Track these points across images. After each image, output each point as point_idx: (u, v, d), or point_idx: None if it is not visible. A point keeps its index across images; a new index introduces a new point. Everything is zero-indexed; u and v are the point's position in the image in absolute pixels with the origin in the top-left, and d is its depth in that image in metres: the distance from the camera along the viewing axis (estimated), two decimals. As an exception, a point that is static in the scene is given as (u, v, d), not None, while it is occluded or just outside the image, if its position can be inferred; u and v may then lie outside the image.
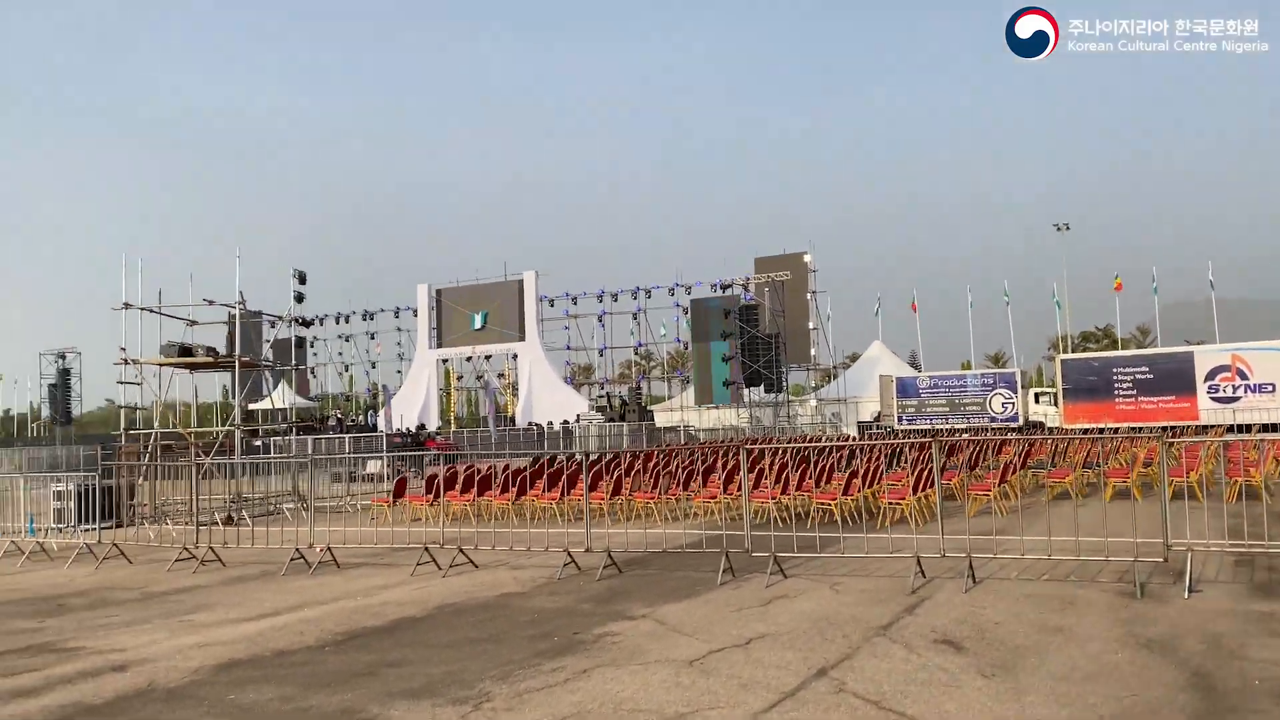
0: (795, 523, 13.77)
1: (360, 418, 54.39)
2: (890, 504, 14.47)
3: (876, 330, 58.55)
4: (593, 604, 9.03)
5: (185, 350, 19.68)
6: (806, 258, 52.08)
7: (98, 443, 35.71)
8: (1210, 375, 35.25)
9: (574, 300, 58.70)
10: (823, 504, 14.72)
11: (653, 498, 16.02)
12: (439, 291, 60.93)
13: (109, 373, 21.34)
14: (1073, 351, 51.70)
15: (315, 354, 66.93)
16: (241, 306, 19.52)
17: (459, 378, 62.81)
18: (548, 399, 55.18)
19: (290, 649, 7.63)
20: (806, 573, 10.20)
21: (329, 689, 6.38)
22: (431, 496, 16.95)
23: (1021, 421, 40.21)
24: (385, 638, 7.95)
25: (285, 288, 23.13)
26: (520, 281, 58.69)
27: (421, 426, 45.45)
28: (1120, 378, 36.96)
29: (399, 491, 17.73)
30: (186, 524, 15.53)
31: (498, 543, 11.89)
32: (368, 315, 64.91)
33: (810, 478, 16.50)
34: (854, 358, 62.14)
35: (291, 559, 12.00)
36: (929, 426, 40.83)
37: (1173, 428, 30.85)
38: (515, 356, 59.48)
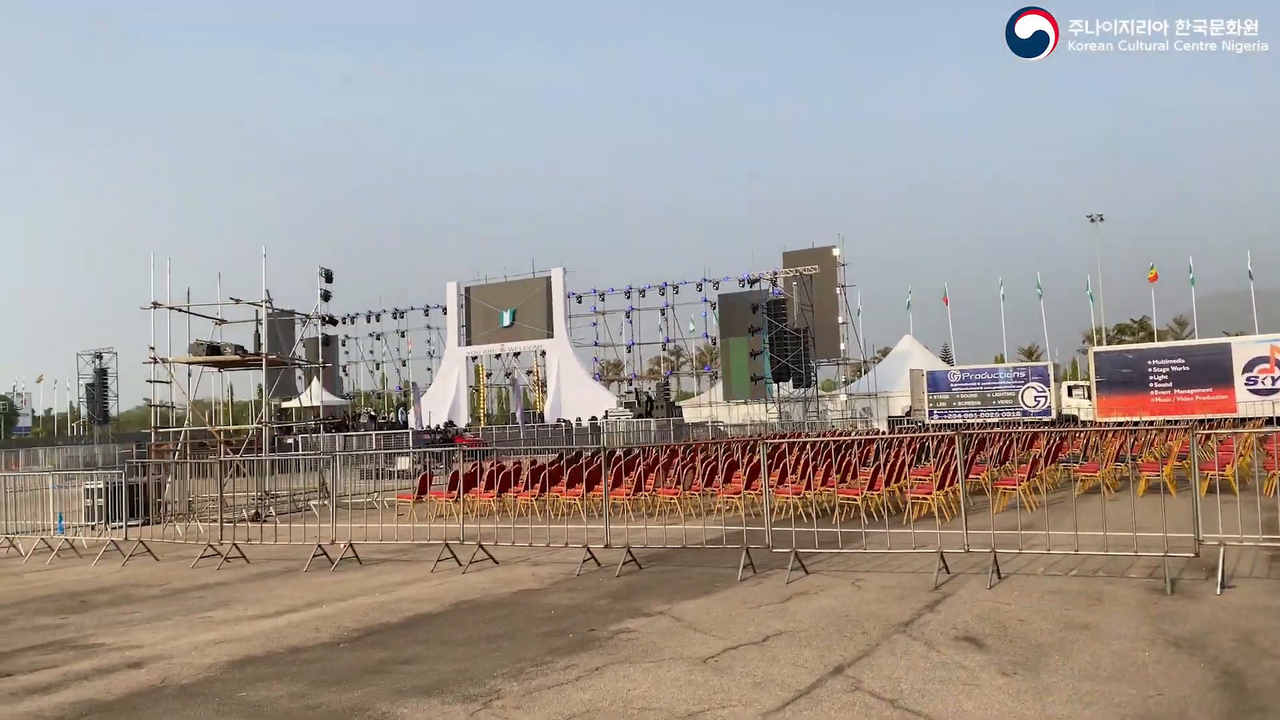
0: (820, 518, 13.64)
1: (392, 415, 54.75)
2: (916, 499, 14.27)
3: (908, 324, 58.06)
4: (610, 600, 8.96)
5: (213, 349, 19.84)
6: (835, 251, 51.76)
7: (133, 442, 36.25)
8: (1248, 367, 34.55)
9: (602, 297, 58.79)
10: (848, 499, 14.56)
11: (675, 493, 15.92)
12: (468, 289, 61.25)
13: (145, 372, 21.66)
14: (1108, 344, 50.96)
15: (347, 352, 67.63)
16: (268, 305, 19.64)
17: (488, 375, 63.08)
18: (576, 395, 55.29)
19: (305, 646, 7.62)
20: (829, 569, 10.06)
21: (340, 686, 6.35)
22: (455, 493, 16.97)
23: (1054, 415, 39.67)
24: (400, 634, 7.92)
25: (316, 286, 23.29)
26: (548, 278, 58.81)
27: (449, 423, 45.60)
28: (1155, 370, 36.33)
29: (423, 488, 17.78)
30: (214, 521, 15.64)
31: (519, 539, 11.85)
32: (398, 313, 65.41)
33: (835, 473, 16.34)
34: (885, 352, 61.64)
35: (314, 555, 12.04)
36: (960, 421, 40.40)
37: (1209, 420, 30.28)
38: (544, 353, 59.67)
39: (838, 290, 51.70)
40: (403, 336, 66.32)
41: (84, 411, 63.26)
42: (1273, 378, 34.06)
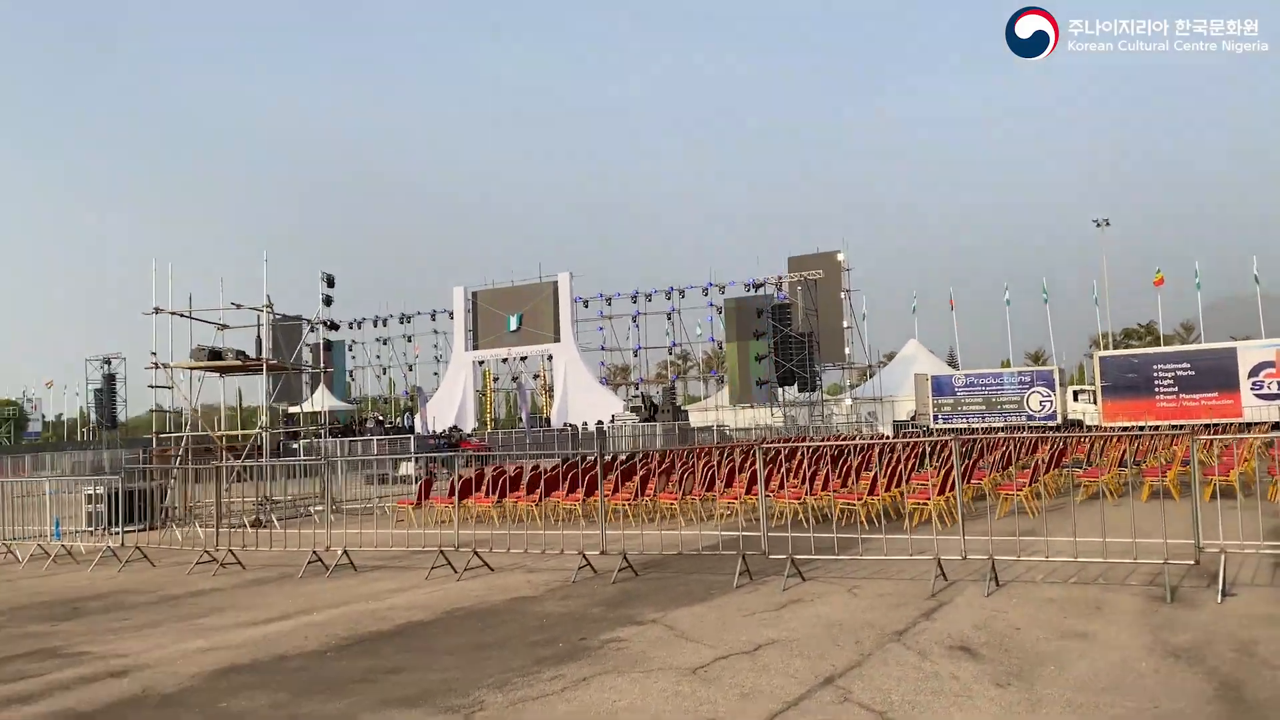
0: (820, 524, 13.54)
1: (399, 420, 54.78)
2: (916, 505, 14.15)
3: (913, 329, 57.90)
4: (603, 608, 8.86)
5: (215, 354, 19.79)
6: (840, 256, 51.64)
7: (140, 447, 36.29)
8: (1254, 371, 34.33)
9: (608, 301, 58.78)
10: (848, 504, 14.45)
11: (676, 498, 15.82)
12: (475, 294, 61.27)
13: (152, 377, 21.65)
14: (1114, 349, 50.72)
15: (354, 357, 67.74)
16: (270, 310, 19.60)
17: (495, 379, 63.03)
18: (583, 400, 55.22)
19: (292, 654, 7.54)
20: (826, 575, 9.96)
21: (323, 696, 6.27)
22: (455, 499, 16.90)
23: (1060, 420, 39.46)
24: (389, 643, 7.84)
25: (321, 292, 23.24)
26: (555, 283, 58.82)
27: (454, 428, 45.58)
28: (1161, 374, 36.12)
29: (424, 494, 17.72)
30: (217, 526, 15.59)
31: (516, 545, 11.77)
32: (405, 318, 65.47)
33: (836, 477, 16.23)
34: (891, 356, 61.49)
35: (309, 562, 11.96)
36: (965, 425, 40.21)
37: (1215, 425, 30.06)
38: (550, 358, 59.63)
39: (842, 295, 51.57)
40: (409, 341, 66.41)
41: (93, 417, 63.47)
42: (1278, 382, 33.83)
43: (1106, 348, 50.32)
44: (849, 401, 53.66)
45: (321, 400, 40.94)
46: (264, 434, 19.55)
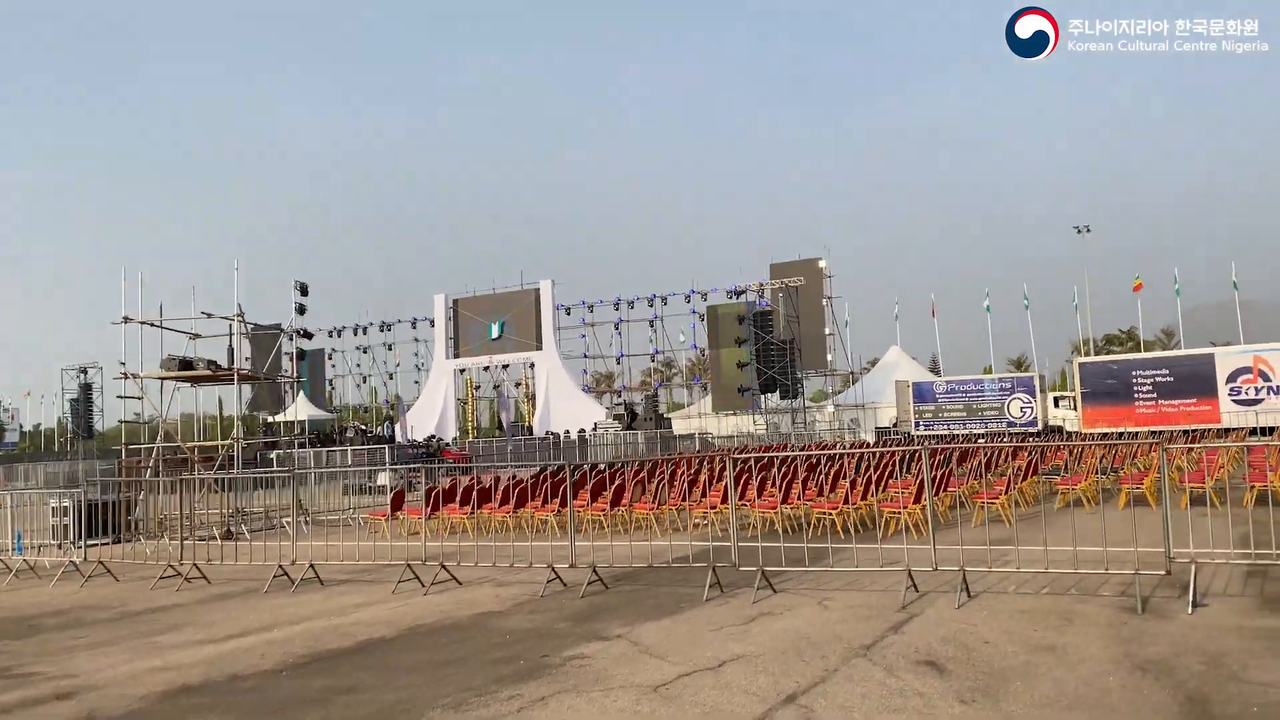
0: (796, 533, 13.41)
1: (380, 429, 54.40)
2: (892, 513, 14.04)
3: (896, 335, 57.99)
4: (570, 623, 8.70)
5: (186, 364, 19.53)
6: (822, 263, 51.67)
7: (115, 458, 35.88)
8: (1232, 377, 34.48)
9: (590, 308, 58.57)
10: (824, 513, 14.34)
11: (651, 508, 15.67)
12: (455, 302, 60.95)
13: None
14: (1096, 355, 50.91)
15: (334, 366, 67.27)
16: (241, 318, 19.35)
17: (476, 387, 62.69)
18: (565, 408, 54.97)
19: (246, 673, 7.35)
20: (798, 587, 9.83)
21: (273, 718, 6.09)
22: (425, 510, 16.70)
23: (1041, 426, 39.53)
24: (347, 660, 7.66)
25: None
26: (536, 290, 58.57)
27: (432, 437, 45.27)
28: (1140, 381, 36.25)
29: (397, 505, 17.50)
30: (185, 539, 15.35)
31: (489, 558, 11.57)
32: (385, 326, 65.09)
33: (812, 485, 16.12)
34: (874, 363, 61.55)
35: (275, 576, 11.75)
36: (946, 432, 40.24)
37: (1193, 431, 30.15)
38: (532, 366, 59.33)
39: (824, 301, 51.59)
40: (390, 350, 66.00)
41: (71, 427, 62.75)
42: (1255, 388, 33.99)
43: (1088, 354, 50.49)
44: (831, 408, 53.64)
45: (297, 410, 40.60)
46: (236, 444, 19.28)
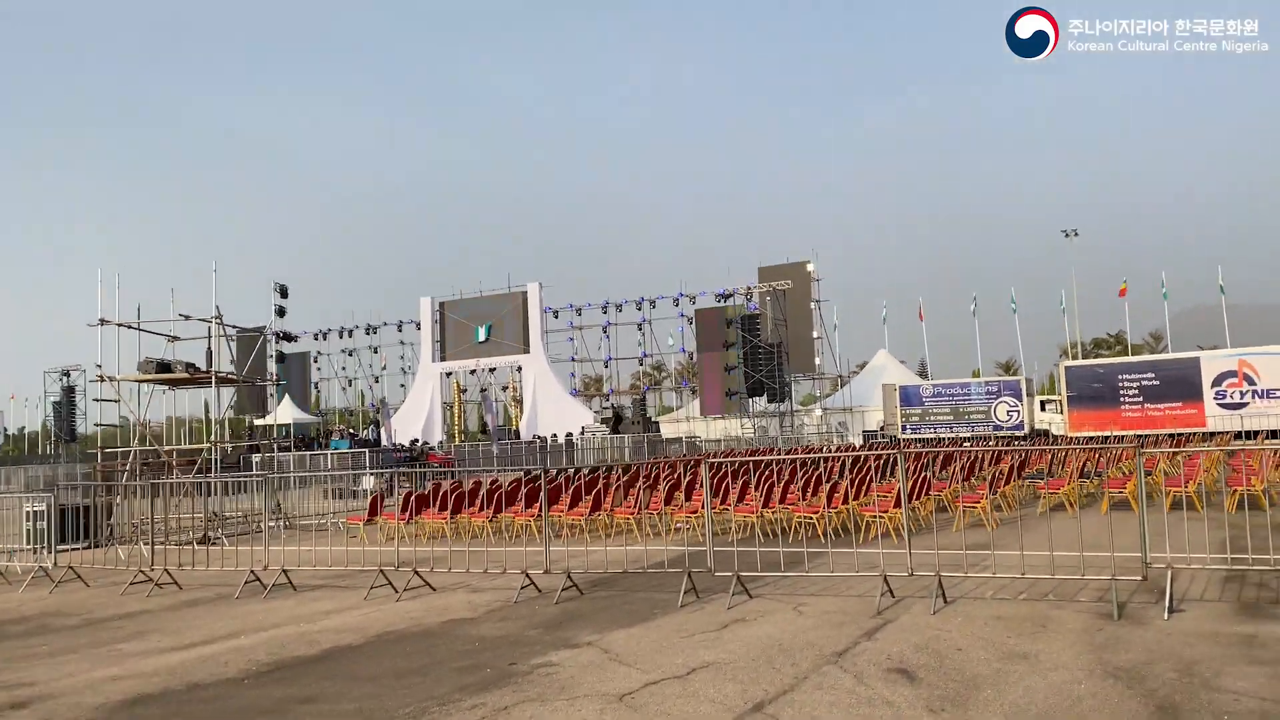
0: (778, 538, 13.31)
1: (365, 433, 54.15)
2: (874, 517, 13.96)
3: (884, 339, 58.01)
4: (540, 630, 8.57)
5: (163, 366, 19.34)
6: (810, 267, 51.65)
7: (96, 461, 35.56)
8: (1217, 381, 34.53)
9: (578, 311, 58.41)
10: (806, 518, 14.24)
11: (632, 513, 15.55)
12: (442, 305, 60.74)
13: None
14: (1084, 359, 51.00)
15: (319, 369, 66.92)
16: (219, 320, 19.16)
17: (463, 390, 62.43)
18: (553, 411, 54.81)
19: (207, 682, 7.20)
20: (774, 592, 9.72)
21: (227, 729, 5.95)
22: (400, 514, 16.53)
23: (1027, 430, 39.54)
24: (311, 669, 7.51)
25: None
26: (524, 293, 58.43)
27: (416, 441, 45.04)
28: (1126, 384, 36.27)
29: (375, 509, 17.34)
30: (162, 544, 15.16)
31: (467, 563, 11.42)
32: (371, 329, 64.79)
33: (794, 490, 16.02)
34: (863, 367, 61.57)
35: (246, 582, 11.60)
36: (933, 435, 40.22)
37: (1178, 435, 30.16)
38: (520, 369, 59.14)
39: (812, 305, 51.57)
40: (376, 353, 65.71)
41: (54, 430, 62.29)
42: (1240, 392, 34.05)
43: (1075, 358, 50.57)
44: (819, 412, 53.63)
45: (279, 413, 40.32)
46: (214, 448, 19.08)
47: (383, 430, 46.48)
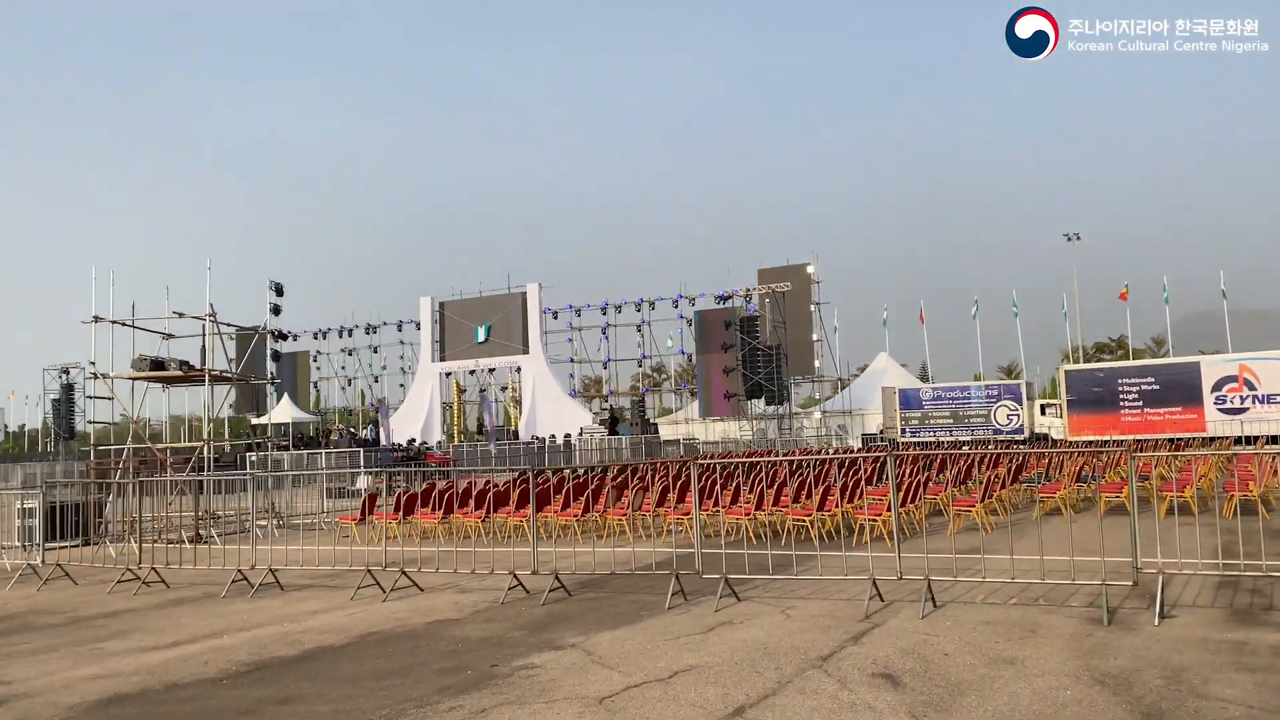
0: (771, 540, 13.23)
1: (364, 432, 54.08)
2: (869, 520, 13.87)
3: (885, 342, 57.89)
4: (525, 632, 8.49)
5: (157, 364, 19.27)
6: (810, 269, 51.54)
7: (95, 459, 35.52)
8: (1217, 386, 34.39)
9: (578, 312, 58.29)
10: (799, 520, 14.15)
11: (624, 514, 15.47)
12: (442, 305, 60.66)
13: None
14: (1085, 362, 50.89)
15: (319, 368, 66.86)
16: (213, 318, 19.10)
17: (463, 391, 62.33)
18: (552, 412, 54.70)
19: (185, 682, 7.12)
20: (763, 595, 9.64)
21: (200, 730, 5.87)
22: (400, 515, 16.46)
23: (1027, 433, 39.42)
24: (291, 670, 7.43)
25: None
26: (524, 294, 58.34)
27: (412, 440, 44.96)
28: (1126, 389, 36.13)
29: (367, 509, 17.25)
30: (154, 542, 15.09)
31: (457, 564, 11.34)
32: (371, 329, 64.70)
33: (788, 492, 15.93)
34: (864, 369, 61.45)
35: (234, 581, 11.53)
36: (932, 439, 40.11)
37: (1177, 440, 30.05)
38: (519, 369, 59.05)
39: (812, 307, 51.46)
40: (376, 352, 65.64)
41: (53, 427, 62.31)
42: (1241, 396, 33.92)
43: (1077, 362, 50.46)
44: (819, 414, 53.51)
45: (277, 412, 40.26)
46: (207, 446, 19.01)
47: (381, 430, 46.40)
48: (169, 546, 13.81)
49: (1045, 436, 39.13)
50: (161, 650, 8.31)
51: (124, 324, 18.80)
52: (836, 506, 14.47)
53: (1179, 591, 9.04)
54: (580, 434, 47.64)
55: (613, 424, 46.71)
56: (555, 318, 58.81)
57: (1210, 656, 6.78)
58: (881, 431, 45.79)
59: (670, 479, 17.31)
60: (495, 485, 17.37)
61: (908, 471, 17.05)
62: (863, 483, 15.72)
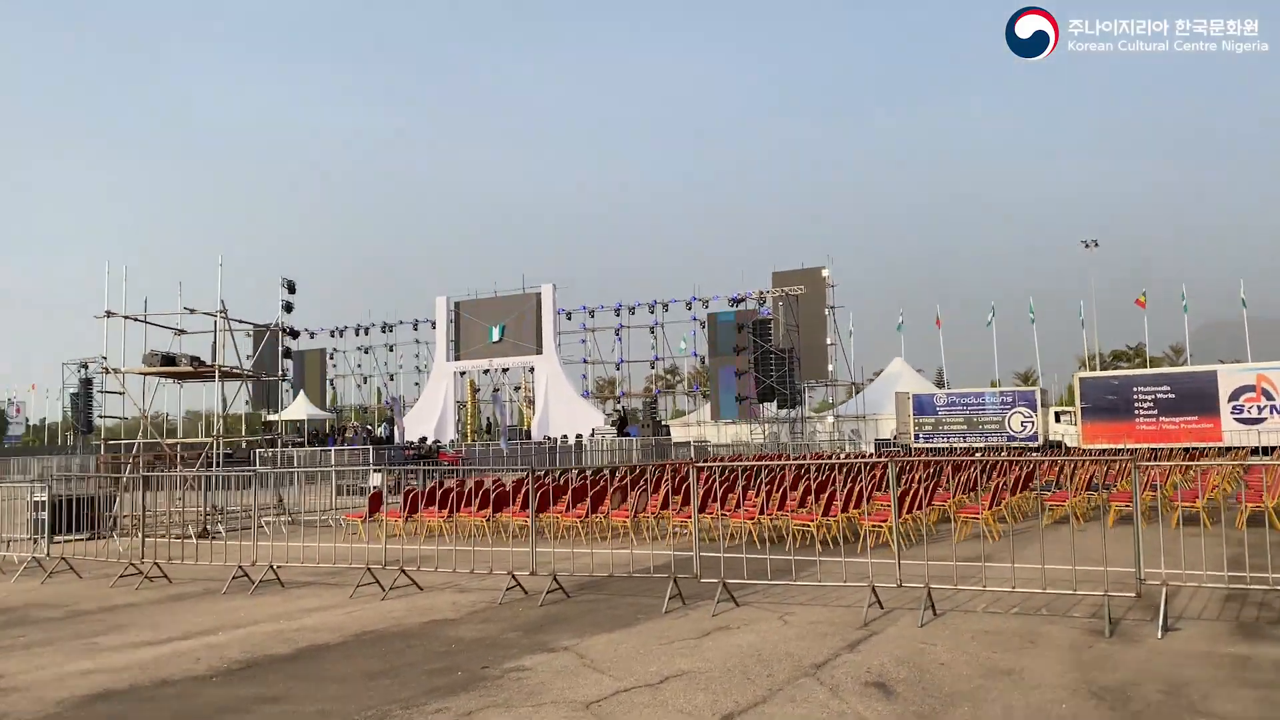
0: (778, 545, 13.14)
1: (379, 430, 54.20)
2: (874, 526, 13.75)
3: (900, 347, 57.55)
4: (520, 633, 8.44)
5: (168, 359, 19.35)
6: (825, 272, 51.30)
7: (109, 452, 35.72)
8: (1234, 395, 33.99)
9: (591, 313, 58.28)
10: (803, 525, 14.04)
11: (628, 516, 15.40)
12: (457, 304, 60.78)
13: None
14: (1102, 370, 50.47)
15: (335, 365, 67.15)
16: (224, 314, 19.16)
17: (476, 390, 62.41)
18: (564, 412, 54.71)
19: (174, 679, 7.11)
20: (762, 601, 9.55)
21: (184, 728, 5.84)
22: (406, 513, 16.46)
23: (1041, 441, 39.10)
24: (281, 668, 7.40)
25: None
26: (538, 294, 58.38)
27: (424, 439, 45.03)
28: (1141, 397, 35.78)
29: (374, 507, 17.25)
30: (162, 537, 15.12)
31: (458, 563, 11.30)
32: (387, 327, 64.93)
33: (794, 497, 15.83)
34: (878, 374, 61.13)
35: (234, 577, 11.53)
36: (945, 445, 39.85)
37: (1192, 449, 29.72)
38: (532, 370, 59.10)
39: (826, 311, 51.21)
40: (391, 351, 65.86)
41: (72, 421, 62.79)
42: (1259, 406, 33.51)
43: (1093, 369, 50.05)
44: (832, 419, 53.25)
45: (292, 409, 40.37)
46: (215, 442, 19.07)
47: (395, 428, 46.48)
48: (176, 541, 13.83)
49: (1059, 444, 38.81)
50: (155, 646, 8.30)
51: (136, 319, 18.88)
52: (841, 512, 14.36)
53: (1185, 604, 8.90)
54: (592, 435, 47.61)
55: (621, 425, 46.64)
56: (569, 318, 58.83)
57: (1213, 671, 6.65)
58: (895, 436, 45.55)
59: (675, 482, 17.23)
60: (502, 485, 17.35)
61: (916, 478, 16.90)
62: (870, 488, 15.61)
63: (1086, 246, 51.67)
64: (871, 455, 37.17)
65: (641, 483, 16.91)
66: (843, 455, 34.53)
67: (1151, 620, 8.08)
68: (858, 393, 54.94)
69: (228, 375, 19.60)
